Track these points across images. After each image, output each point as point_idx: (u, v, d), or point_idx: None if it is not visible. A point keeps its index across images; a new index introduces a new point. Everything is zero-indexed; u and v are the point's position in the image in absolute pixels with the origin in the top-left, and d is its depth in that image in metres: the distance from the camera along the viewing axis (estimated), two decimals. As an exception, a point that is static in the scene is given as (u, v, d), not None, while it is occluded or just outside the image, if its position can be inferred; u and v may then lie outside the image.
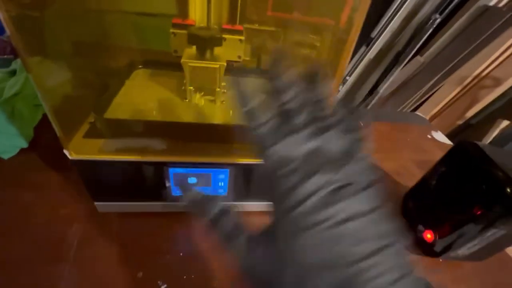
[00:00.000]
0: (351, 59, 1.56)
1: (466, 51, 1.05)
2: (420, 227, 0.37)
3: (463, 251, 0.33)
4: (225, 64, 0.33)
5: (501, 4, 1.02)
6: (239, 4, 0.38)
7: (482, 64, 1.02)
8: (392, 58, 1.40)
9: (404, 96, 1.22)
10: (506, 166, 0.29)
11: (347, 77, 1.59)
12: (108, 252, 0.31)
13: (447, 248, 0.34)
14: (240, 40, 0.39)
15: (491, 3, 1.03)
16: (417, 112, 1.23)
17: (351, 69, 1.57)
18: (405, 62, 1.29)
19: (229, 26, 0.39)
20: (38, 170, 0.39)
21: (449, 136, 1.12)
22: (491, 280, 0.36)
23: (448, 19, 1.19)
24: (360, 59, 1.52)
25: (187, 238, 0.34)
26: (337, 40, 0.35)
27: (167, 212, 0.36)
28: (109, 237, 0.33)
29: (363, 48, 1.52)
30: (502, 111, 0.96)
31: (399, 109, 1.24)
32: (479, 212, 0.29)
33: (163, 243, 0.33)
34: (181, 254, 0.32)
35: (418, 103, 1.21)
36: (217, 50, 0.35)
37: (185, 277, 0.30)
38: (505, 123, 0.93)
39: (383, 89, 1.36)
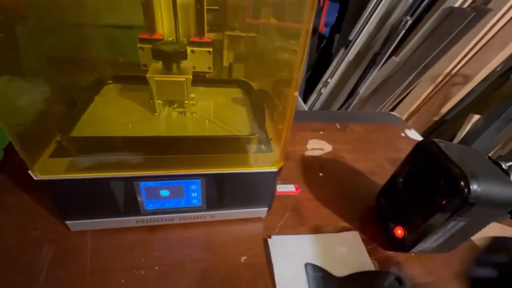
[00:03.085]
0: (331, 61, 1.61)
1: (437, 50, 1.10)
2: (392, 224, 0.38)
3: (430, 244, 0.35)
4: (191, 77, 0.33)
5: (465, 5, 1.08)
6: (205, 17, 0.40)
7: (452, 62, 1.07)
8: (370, 59, 1.44)
9: (383, 96, 1.26)
10: (461, 161, 0.31)
11: (329, 80, 1.63)
12: (81, 271, 0.31)
13: (416, 242, 0.35)
14: (209, 51, 0.40)
15: (456, 4, 1.09)
16: (396, 111, 1.27)
17: (332, 72, 1.61)
18: (381, 63, 1.34)
19: (197, 39, 0.40)
20: (8, 191, 0.38)
21: (426, 132, 1.16)
22: (461, 269, 0.38)
23: (418, 21, 1.25)
24: (340, 61, 1.56)
25: (163, 251, 0.34)
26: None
27: (142, 227, 0.36)
28: (82, 256, 0.32)
29: (342, 51, 1.56)
30: (473, 106, 1.01)
31: (378, 109, 1.28)
32: (439, 206, 0.31)
33: (138, 258, 0.33)
34: (156, 267, 0.32)
35: (396, 102, 1.25)
36: (186, 63, 0.36)
37: (160, 290, 0.30)
38: (476, 117, 0.98)
39: (363, 90, 1.40)
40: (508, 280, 0.37)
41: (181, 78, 0.33)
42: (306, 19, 0.24)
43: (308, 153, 0.55)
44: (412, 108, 1.17)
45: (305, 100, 1.80)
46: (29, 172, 0.27)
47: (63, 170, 0.28)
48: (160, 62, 0.34)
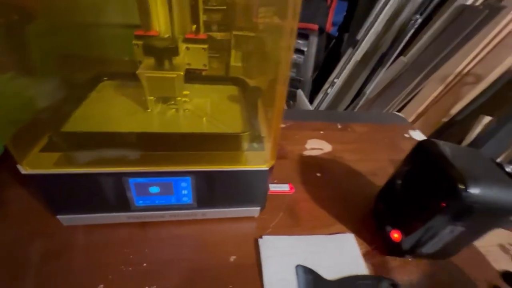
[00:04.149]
0: (339, 61, 1.58)
1: (447, 50, 1.07)
2: (388, 228, 0.37)
3: (428, 249, 0.33)
4: (182, 73, 0.33)
5: (477, 3, 1.04)
6: (201, 14, 0.39)
7: (463, 61, 1.03)
8: (377, 59, 1.41)
9: (390, 96, 1.23)
10: (460, 163, 0.29)
11: (335, 80, 1.61)
12: (71, 265, 0.31)
13: (413, 247, 0.34)
14: (204, 48, 0.40)
15: (468, 2, 1.05)
16: (403, 112, 1.24)
17: (339, 72, 1.59)
18: (389, 63, 1.31)
19: (192, 36, 0.39)
20: (2, 186, 0.39)
21: (435, 133, 1.13)
22: (462, 274, 0.36)
23: (428, 20, 1.21)
24: (347, 61, 1.54)
25: (152, 248, 0.34)
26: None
27: (133, 223, 0.36)
28: (73, 250, 0.33)
29: (349, 50, 1.54)
30: (485, 107, 0.97)
31: (385, 110, 1.25)
32: (437, 209, 0.29)
33: (127, 254, 0.33)
34: (144, 264, 0.32)
35: (403, 103, 1.22)
36: (179, 59, 0.36)
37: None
38: (487, 119, 0.94)
39: (370, 90, 1.37)
40: None
41: (172, 75, 0.33)
42: (289, 15, 0.23)
43: (307, 152, 0.54)
44: (421, 109, 1.13)
45: (311, 100, 1.78)
46: (17, 166, 0.27)
47: (52, 164, 0.29)
48: (153, 58, 0.34)
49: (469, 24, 1.00)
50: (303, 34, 1.61)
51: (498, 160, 0.96)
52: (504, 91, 0.95)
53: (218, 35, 0.46)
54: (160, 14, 0.37)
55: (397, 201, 0.37)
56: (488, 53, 0.99)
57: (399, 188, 0.37)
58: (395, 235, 0.35)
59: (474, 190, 0.27)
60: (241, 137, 0.33)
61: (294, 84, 1.84)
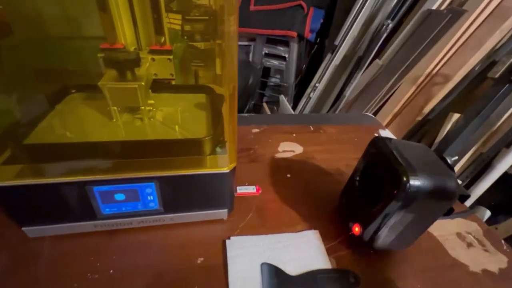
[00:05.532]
0: (319, 66, 1.63)
1: (417, 52, 1.12)
2: (350, 223, 0.39)
3: (385, 239, 0.35)
4: (143, 83, 0.34)
5: (442, 7, 1.10)
6: (164, 26, 0.41)
7: (432, 62, 1.09)
8: (355, 63, 1.47)
9: (368, 98, 1.28)
10: (405, 157, 0.32)
11: (317, 84, 1.66)
12: (37, 276, 0.31)
13: (372, 238, 0.36)
14: (169, 59, 0.42)
15: (434, 7, 1.11)
16: (380, 113, 1.28)
17: (320, 76, 1.63)
18: (365, 66, 1.36)
19: (157, 47, 0.41)
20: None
21: (410, 132, 1.17)
22: (420, 265, 0.38)
23: (399, 24, 1.28)
24: (327, 66, 1.59)
25: (119, 255, 0.34)
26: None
27: (101, 231, 0.36)
28: (38, 262, 0.33)
29: (329, 56, 1.59)
30: (453, 105, 1.02)
31: (364, 111, 1.29)
32: (385, 201, 0.31)
33: (94, 262, 0.33)
34: (111, 271, 0.33)
35: (380, 104, 1.26)
36: (142, 70, 0.37)
37: (112, 294, 0.31)
38: (456, 116, 0.99)
39: (349, 92, 1.42)
40: None
41: (134, 85, 0.34)
42: (226, 21, 0.25)
43: (279, 155, 0.56)
44: (396, 109, 1.18)
45: (295, 104, 1.82)
46: (-23, 179, 0.28)
47: (13, 176, 0.29)
48: (115, 70, 0.35)
49: (435, 27, 1.05)
50: (283, 41, 1.66)
51: (468, 155, 1.00)
52: (469, 90, 1.01)
53: (202, 45, 0.48)
54: (125, 28, 0.39)
55: (356, 196, 0.39)
56: (453, 54, 1.05)
57: (357, 184, 0.39)
58: (356, 229, 0.37)
59: (414, 182, 0.29)
60: (202, 141, 0.34)
61: (278, 89, 1.88)
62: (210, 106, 0.43)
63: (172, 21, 0.45)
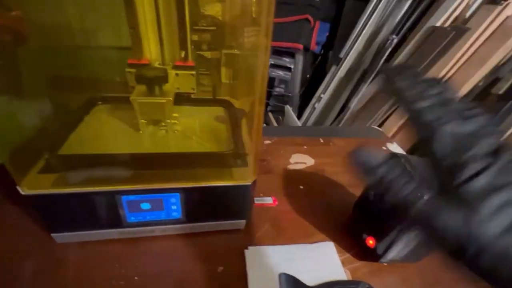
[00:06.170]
0: (324, 78, 1.67)
1: (422, 66, 1.15)
2: (364, 235, 0.40)
3: (399, 252, 0.36)
4: (171, 99, 0.37)
5: (446, 25, 1.14)
6: (189, 44, 0.43)
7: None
8: (360, 75, 1.50)
9: (372, 111, 1.30)
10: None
11: (322, 95, 1.68)
12: (63, 281, 0.33)
13: (385, 252, 0.37)
14: (192, 74, 0.44)
15: (438, 24, 1.15)
16: (384, 125, 1.30)
17: (325, 87, 1.66)
18: (370, 79, 1.39)
19: (181, 63, 0.43)
20: (-1, 206, 0.40)
21: (414, 146, 1.18)
22: (432, 278, 0.39)
23: (404, 39, 1.31)
24: (332, 77, 1.62)
25: (143, 262, 0.36)
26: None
27: (125, 239, 0.38)
28: (66, 267, 0.34)
29: (334, 67, 1.62)
30: (458, 119, 1.04)
31: (368, 123, 1.31)
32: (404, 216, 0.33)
33: (119, 269, 0.35)
34: (136, 278, 0.34)
35: (385, 116, 1.28)
36: (168, 85, 0.40)
37: (138, 300, 0.32)
38: (461, 130, 1.01)
39: (354, 104, 1.44)
40: None
41: (162, 100, 0.36)
42: (263, 36, 0.27)
43: (291, 166, 0.58)
44: (401, 122, 1.20)
45: (300, 114, 1.85)
46: (17, 187, 0.29)
47: (49, 185, 0.31)
48: (144, 85, 0.38)
49: (439, 44, 1.08)
50: (289, 53, 1.70)
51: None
52: (474, 105, 1.03)
53: (209, 54, 0.50)
54: (151, 45, 0.41)
55: (371, 209, 0.40)
56: (457, 70, 1.08)
57: (372, 198, 0.40)
58: (370, 242, 0.38)
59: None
60: (225, 155, 0.36)
61: (282, 99, 1.91)
62: (230, 120, 0.45)
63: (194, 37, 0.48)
